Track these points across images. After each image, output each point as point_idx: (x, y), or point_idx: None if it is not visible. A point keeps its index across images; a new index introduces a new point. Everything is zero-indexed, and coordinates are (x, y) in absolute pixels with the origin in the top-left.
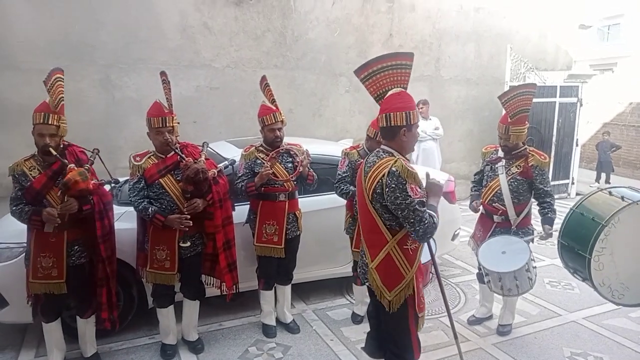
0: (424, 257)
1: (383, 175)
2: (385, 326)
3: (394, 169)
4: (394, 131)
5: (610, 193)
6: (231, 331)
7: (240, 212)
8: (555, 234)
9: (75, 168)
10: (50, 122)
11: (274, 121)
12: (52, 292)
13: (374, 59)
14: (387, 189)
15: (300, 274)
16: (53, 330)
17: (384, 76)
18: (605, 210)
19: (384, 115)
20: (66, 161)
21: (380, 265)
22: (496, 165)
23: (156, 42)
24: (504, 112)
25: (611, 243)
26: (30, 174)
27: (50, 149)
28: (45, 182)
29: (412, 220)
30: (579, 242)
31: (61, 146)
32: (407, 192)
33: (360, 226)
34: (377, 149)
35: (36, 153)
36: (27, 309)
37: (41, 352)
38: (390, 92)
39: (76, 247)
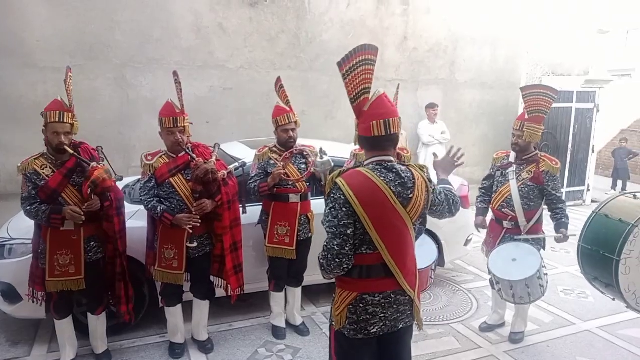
0: (423, 262)
1: (427, 185)
2: (402, 352)
3: (426, 173)
4: (397, 139)
5: (635, 197)
6: (241, 332)
7: (253, 213)
8: (573, 239)
9: (99, 166)
10: (65, 120)
11: (287, 122)
12: (69, 289)
13: (359, 47)
14: (433, 194)
15: (310, 277)
16: (65, 327)
17: (363, 71)
18: (633, 212)
19: (389, 120)
20: (87, 160)
21: (418, 290)
22: (507, 171)
23: (170, 42)
24: (520, 113)
25: (639, 246)
26: (43, 173)
27: (66, 148)
28: (61, 181)
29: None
30: (604, 245)
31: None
32: None
33: (394, 264)
34: (383, 163)
35: (46, 151)
36: (40, 305)
37: (53, 347)
38: (376, 95)
39: (92, 243)
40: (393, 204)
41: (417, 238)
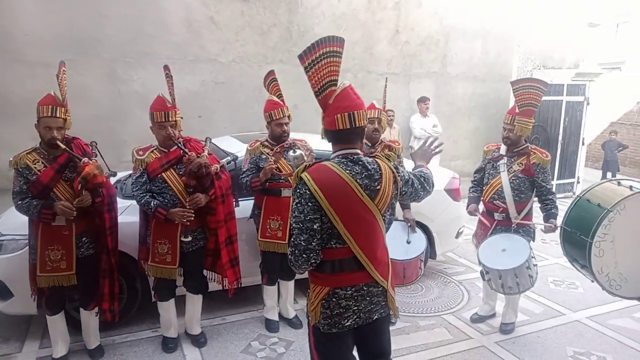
0: (412, 252)
1: (394, 175)
2: (381, 341)
3: (393, 162)
4: (363, 132)
5: (618, 183)
6: (234, 325)
7: (245, 207)
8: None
9: (90, 162)
10: (57, 115)
11: (281, 116)
12: (60, 285)
13: (324, 39)
14: (401, 182)
15: None
16: (57, 323)
17: (327, 64)
18: (612, 197)
19: (354, 113)
20: (79, 155)
21: (391, 280)
22: (498, 163)
23: (162, 36)
24: (510, 106)
25: (613, 230)
26: (35, 167)
27: (59, 142)
28: (53, 176)
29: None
30: (581, 228)
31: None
32: None
33: (364, 256)
34: (349, 156)
35: (38, 146)
36: (31, 301)
37: (45, 343)
38: (341, 87)
39: (84, 239)
40: (360, 196)
41: (387, 229)
